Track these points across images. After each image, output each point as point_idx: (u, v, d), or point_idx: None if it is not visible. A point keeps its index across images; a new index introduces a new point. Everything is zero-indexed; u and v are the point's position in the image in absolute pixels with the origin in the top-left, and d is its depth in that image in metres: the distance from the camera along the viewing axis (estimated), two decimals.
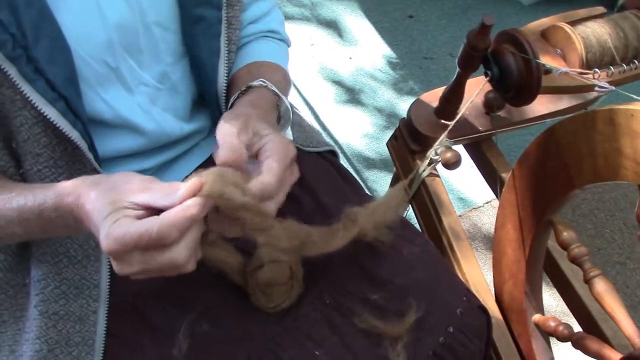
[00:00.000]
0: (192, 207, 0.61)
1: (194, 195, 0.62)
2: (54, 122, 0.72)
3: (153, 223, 0.59)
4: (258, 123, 0.74)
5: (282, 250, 0.72)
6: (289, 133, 0.98)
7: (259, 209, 0.67)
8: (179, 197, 0.61)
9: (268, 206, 0.69)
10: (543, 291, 1.01)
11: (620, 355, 0.78)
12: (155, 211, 0.62)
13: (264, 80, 0.85)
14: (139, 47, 0.81)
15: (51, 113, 0.71)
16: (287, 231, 0.70)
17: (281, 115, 0.87)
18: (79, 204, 0.65)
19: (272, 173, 0.69)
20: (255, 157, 0.73)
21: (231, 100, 0.85)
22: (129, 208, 0.62)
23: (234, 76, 0.90)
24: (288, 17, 2.64)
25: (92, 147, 0.77)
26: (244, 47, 0.96)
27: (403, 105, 2.27)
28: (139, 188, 0.63)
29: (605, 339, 0.91)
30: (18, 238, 0.74)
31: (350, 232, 0.76)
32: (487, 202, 1.93)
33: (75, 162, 0.77)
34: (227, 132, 0.72)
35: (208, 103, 0.90)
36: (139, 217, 0.62)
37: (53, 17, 0.71)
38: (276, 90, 0.85)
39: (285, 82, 0.92)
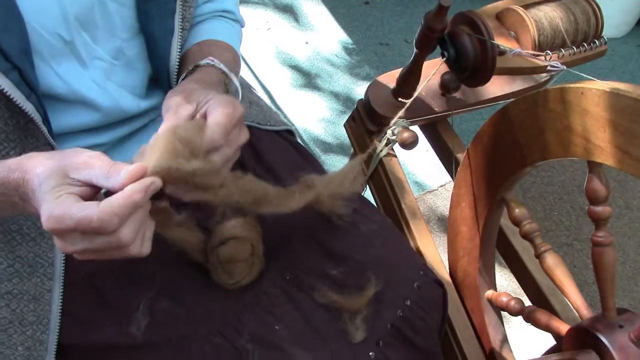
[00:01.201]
0: (135, 193, 0.58)
1: (137, 178, 0.59)
2: (7, 94, 0.70)
3: (92, 211, 0.57)
4: (201, 93, 0.74)
5: (236, 207, 0.71)
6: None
7: (209, 170, 0.66)
8: (120, 183, 0.59)
9: (214, 158, 0.68)
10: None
11: (568, 327, 0.81)
12: (98, 189, 0.61)
13: (212, 58, 0.84)
14: (94, 22, 0.80)
15: (4, 84, 0.69)
16: (241, 188, 0.69)
17: (231, 94, 0.87)
18: (25, 179, 0.62)
19: (215, 122, 0.69)
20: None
21: (180, 80, 0.85)
22: (72, 184, 0.60)
23: (185, 53, 0.90)
24: (245, 1, 2.62)
25: (46, 121, 0.75)
26: (197, 26, 0.95)
27: (359, 90, 2.28)
28: (83, 164, 0.60)
29: (554, 313, 0.94)
30: None
31: (305, 196, 0.76)
32: (441, 186, 1.96)
33: (28, 136, 0.75)
34: (170, 105, 0.71)
35: (161, 81, 0.89)
36: (82, 195, 0.60)
37: None
38: (224, 69, 0.84)
39: (234, 62, 0.91)
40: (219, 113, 0.70)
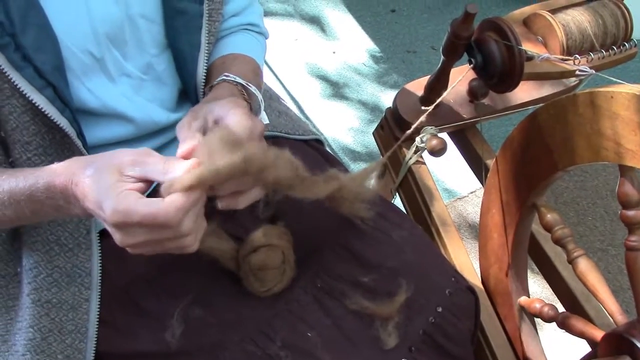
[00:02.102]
0: (196, 193, 0.62)
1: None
2: (43, 110, 0.72)
3: (158, 207, 0.61)
4: (207, 106, 0.75)
5: (285, 180, 0.71)
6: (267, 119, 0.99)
7: (259, 150, 0.67)
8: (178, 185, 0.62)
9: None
10: None
11: (603, 332, 0.80)
12: (151, 183, 0.64)
13: (226, 74, 0.85)
14: (123, 39, 0.82)
15: (40, 100, 0.72)
16: (286, 159, 0.71)
17: (251, 104, 0.87)
18: (73, 182, 0.65)
19: (234, 120, 0.71)
20: None
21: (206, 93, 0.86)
22: (127, 181, 0.63)
23: (210, 67, 0.91)
24: (272, 14, 2.65)
25: (80, 135, 0.77)
26: (223, 39, 0.97)
27: (387, 99, 2.29)
28: (134, 161, 0.64)
29: (588, 319, 0.93)
30: (8, 221, 0.74)
31: (330, 185, 0.77)
32: (471, 192, 1.95)
33: (64, 149, 0.78)
34: (182, 125, 0.74)
35: (189, 94, 0.91)
36: (139, 190, 0.63)
37: (40, 6, 0.72)
38: (240, 81, 0.85)
39: (254, 74, 0.92)
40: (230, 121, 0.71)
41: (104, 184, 0.63)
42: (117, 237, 0.64)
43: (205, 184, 0.64)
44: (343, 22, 2.63)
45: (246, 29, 0.99)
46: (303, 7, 2.70)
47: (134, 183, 0.63)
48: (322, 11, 2.68)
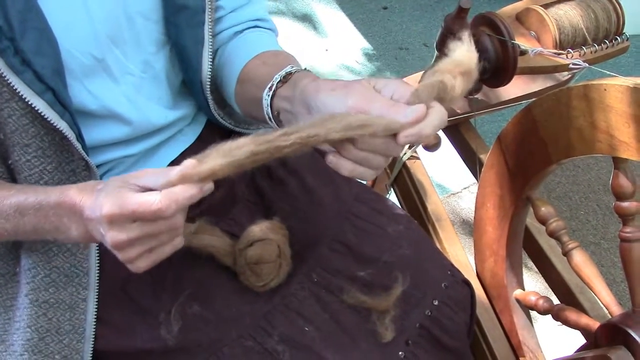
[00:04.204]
0: (193, 188, 0.62)
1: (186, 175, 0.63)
2: (42, 114, 0.72)
3: (154, 196, 0.61)
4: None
5: None
6: None
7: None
8: (176, 176, 0.62)
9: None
10: None
11: (598, 324, 0.81)
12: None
13: (292, 65, 0.80)
14: (122, 38, 0.81)
15: (39, 104, 0.71)
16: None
17: None
18: (82, 193, 0.66)
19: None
20: None
21: (273, 86, 0.77)
22: (131, 187, 0.63)
23: (245, 68, 0.86)
24: None
25: (79, 137, 0.77)
26: (239, 37, 0.92)
27: None
28: (140, 174, 0.65)
29: (583, 310, 0.94)
30: (5, 235, 0.74)
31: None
32: (464, 188, 1.96)
33: (63, 151, 0.77)
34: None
35: (193, 91, 0.91)
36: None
37: (39, 9, 0.71)
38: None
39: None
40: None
41: (106, 190, 0.63)
42: (110, 235, 0.63)
43: (215, 175, 0.63)
44: (335, 19, 2.63)
45: (256, 26, 0.95)
46: (295, 4, 2.70)
47: (137, 188, 0.64)
48: (314, 9, 2.68)
